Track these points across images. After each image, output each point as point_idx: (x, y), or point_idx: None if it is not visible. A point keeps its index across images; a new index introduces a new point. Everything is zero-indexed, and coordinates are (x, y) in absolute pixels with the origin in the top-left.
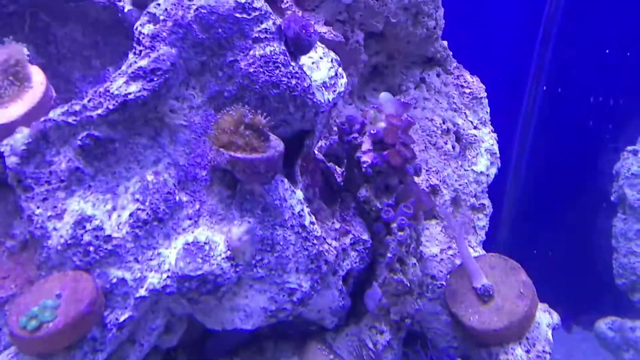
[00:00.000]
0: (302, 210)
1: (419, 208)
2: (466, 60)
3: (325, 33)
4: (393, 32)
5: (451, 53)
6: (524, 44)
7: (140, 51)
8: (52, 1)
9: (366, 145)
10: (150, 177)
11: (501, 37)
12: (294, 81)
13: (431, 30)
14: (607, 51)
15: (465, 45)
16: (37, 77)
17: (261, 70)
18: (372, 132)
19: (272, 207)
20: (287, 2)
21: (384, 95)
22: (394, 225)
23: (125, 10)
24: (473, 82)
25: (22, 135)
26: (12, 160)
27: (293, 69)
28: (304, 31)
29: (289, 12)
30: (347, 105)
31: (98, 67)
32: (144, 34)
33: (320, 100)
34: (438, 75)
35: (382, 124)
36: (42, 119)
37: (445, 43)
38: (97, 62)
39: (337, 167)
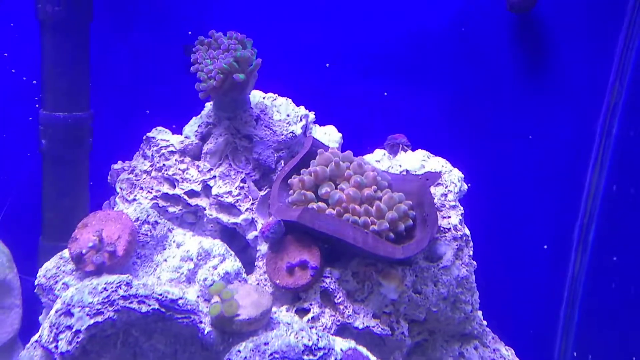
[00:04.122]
0: None
1: None
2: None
3: (373, 327)
4: (434, 317)
5: (486, 323)
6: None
7: None
8: (142, 322)
9: None
10: None
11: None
12: None
13: (468, 314)
14: None
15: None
16: None
17: None
18: None
19: None
20: (340, 297)
21: None
22: None
23: (205, 332)
24: (509, 355)
25: None
26: None
27: None
28: None
29: (341, 306)
30: None
31: None
32: None
33: None
34: (476, 348)
35: None
36: None
37: (480, 314)
38: None
39: None
